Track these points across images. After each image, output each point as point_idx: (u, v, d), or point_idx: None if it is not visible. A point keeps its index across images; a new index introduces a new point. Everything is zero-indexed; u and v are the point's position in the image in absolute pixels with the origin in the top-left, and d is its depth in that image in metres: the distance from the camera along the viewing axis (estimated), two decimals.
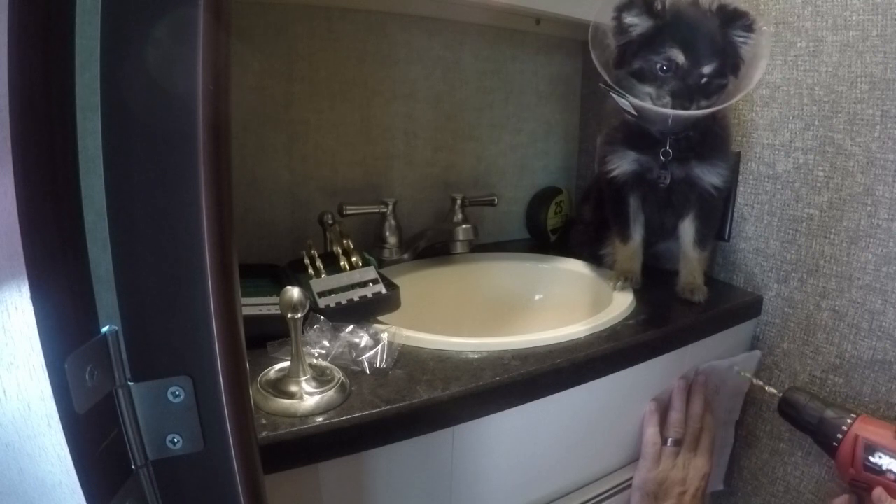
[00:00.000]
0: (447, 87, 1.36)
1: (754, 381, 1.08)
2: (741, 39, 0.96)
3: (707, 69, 0.95)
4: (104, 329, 0.40)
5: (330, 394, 0.72)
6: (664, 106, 0.96)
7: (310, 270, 1.01)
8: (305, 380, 0.73)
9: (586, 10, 1.21)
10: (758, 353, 1.15)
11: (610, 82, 0.98)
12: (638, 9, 0.95)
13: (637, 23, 0.96)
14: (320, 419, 0.68)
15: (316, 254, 1.03)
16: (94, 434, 0.38)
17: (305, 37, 1.16)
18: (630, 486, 1.01)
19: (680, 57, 0.94)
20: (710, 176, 1.06)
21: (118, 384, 0.40)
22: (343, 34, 1.20)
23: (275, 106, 1.16)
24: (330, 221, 1.13)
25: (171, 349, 0.41)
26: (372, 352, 0.83)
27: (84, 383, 0.37)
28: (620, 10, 0.97)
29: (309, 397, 0.71)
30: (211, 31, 0.38)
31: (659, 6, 0.95)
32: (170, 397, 0.41)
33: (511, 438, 0.85)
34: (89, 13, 0.36)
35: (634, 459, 1.03)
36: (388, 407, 0.72)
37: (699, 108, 0.96)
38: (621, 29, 0.98)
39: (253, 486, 0.45)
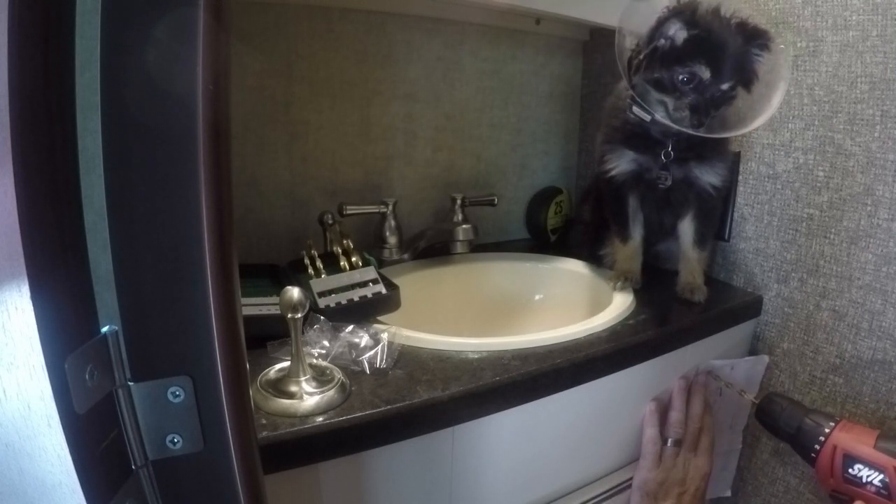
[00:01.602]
0: (447, 86, 1.36)
1: (727, 386, 1.07)
2: (757, 57, 0.96)
3: (726, 86, 0.95)
4: (104, 329, 0.40)
5: (330, 394, 0.72)
6: (682, 118, 0.96)
7: (310, 270, 1.01)
8: (305, 380, 0.73)
9: (586, 11, 1.21)
10: (765, 357, 1.15)
11: (637, 98, 0.99)
12: (682, 21, 0.94)
13: (677, 34, 0.95)
14: (320, 419, 0.68)
15: (316, 254, 1.03)
16: (94, 434, 0.38)
17: (305, 37, 1.16)
18: (630, 486, 1.01)
19: (706, 73, 0.94)
20: (708, 176, 1.06)
21: (118, 384, 0.40)
22: (343, 34, 1.20)
23: (275, 106, 1.16)
24: (330, 221, 1.13)
25: (171, 349, 0.41)
26: (372, 352, 0.83)
27: (84, 383, 0.37)
28: (662, 22, 0.96)
29: (309, 397, 0.71)
30: (211, 32, 0.38)
31: (700, 17, 0.95)
32: (170, 397, 0.41)
33: (511, 438, 0.85)
34: (89, 13, 0.36)
35: (634, 459, 1.03)
36: (388, 407, 0.72)
37: (710, 117, 0.96)
38: (654, 37, 0.97)
39: (253, 486, 0.45)
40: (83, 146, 0.38)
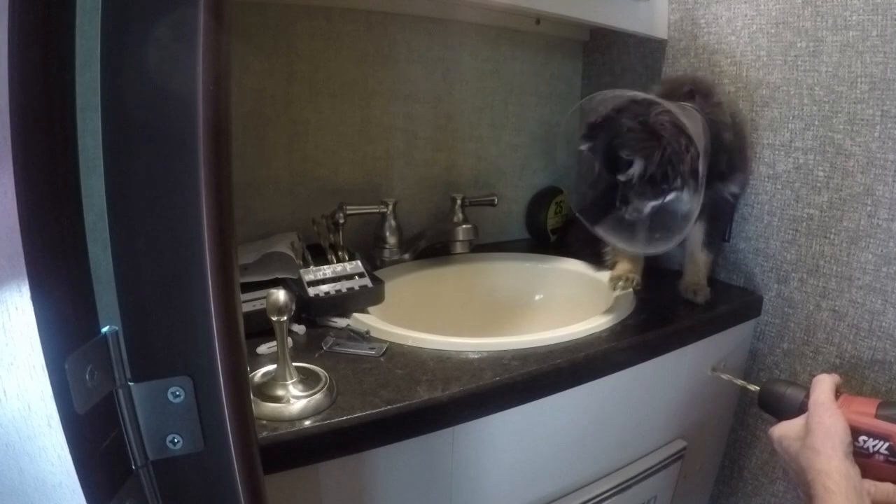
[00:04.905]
0: (447, 87, 1.36)
1: (730, 378, 1.07)
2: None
3: (623, 176, 0.97)
4: (104, 329, 0.40)
5: (317, 397, 0.71)
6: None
7: (298, 261, 1.03)
8: (292, 383, 0.72)
9: (586, 11, 1.21)
10: None
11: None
12: (583, 137, 1.01)
13: (584, 149, 1.01)
14: (308, 423, 0.68)
15: (305, 245, 1.05)
16: (95, 434, 0.38)
17: (306, 36, 1.16)
18: (628, 486, 1.01)
19: (603, 173, 1.00)
20: (731, 187, 1.09)
21: (118, 384, 0.40)
22: (343, 34, 1.19)
23: (275, 106, 1.16)
24: (323, 221, 1.13)
25: (172, 349, 0.41)
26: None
27: (84, 383, 0.37)
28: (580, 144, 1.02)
29: (296, 401, 0.70)
30: (211, 32, 0.38)
31: (594, 121, 0.99)
32: (170, 397, 0.41)
33: (511, 438, 0.85)
34: (89, 13, 0.36)
35: (635, 459, 1.03)
36: (389, 407, 0.71)
37: (638, 204, 0.99)
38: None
39: (253, 487, 0.45)
40: (83, 146, 0.38)
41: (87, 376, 0.37)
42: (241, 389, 0.43)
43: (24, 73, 0.32)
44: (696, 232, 1.14)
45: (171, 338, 0.41)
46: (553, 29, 1.45)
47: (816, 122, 1.07)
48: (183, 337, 0.41)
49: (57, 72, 0.36)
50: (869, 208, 1.01)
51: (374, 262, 1.21)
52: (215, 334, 0.41)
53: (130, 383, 0.40)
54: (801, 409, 0.91)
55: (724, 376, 1.07)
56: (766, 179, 1.16)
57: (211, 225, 0.39)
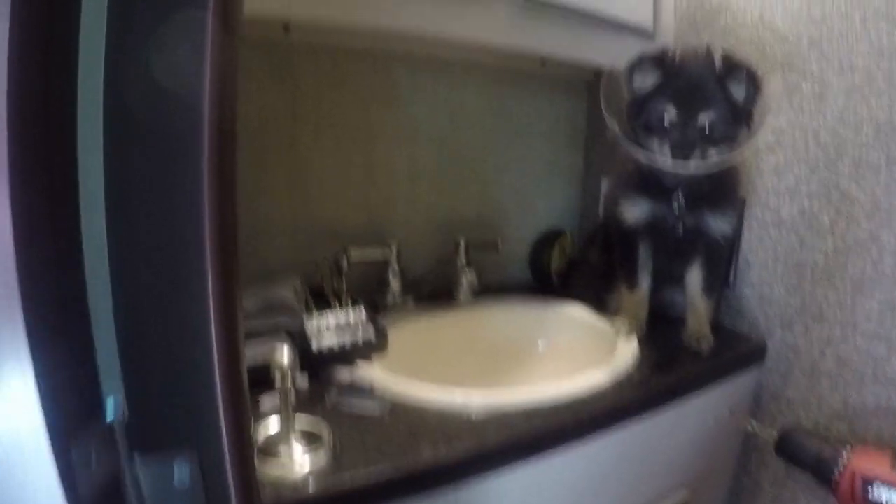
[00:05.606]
0: (452, 127, 1.36)
1: (748, 425, 1.07)
2: (738, 91, 0.98)
3: (703, 119, 0.97)
4: (108, 403, 0.38)
5: (320, 458, 0.70)
6: (665, 156, 0.98)
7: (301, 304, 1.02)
8: (295, 442, 0.71)
9: (591, 53, 1.22)
10: None
11: (616, 132, 1.01)
12: (648, 65, 1.00)
13: (646, 80, 1.00)
14: (311, 487, 0.67)
15: (308, 291, 1.05)
16: None
17: (310, 76, 1.16)
18: None
19: (672, 111, 0.98)
20: (720, 224, 1.07)
21: (123, 467, 0.39)
22: (348, 74, 1.20)
23: (277, 145, 1.16)
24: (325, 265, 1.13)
25: (176, 428, 0.40)
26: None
27: (89, 468, 0.36)
28: (631, 70, 1.01)
29: (298, 463, 0.69)
30: (218, 35, 0.37)
31: (670, 58, 0.99)
32: (175, 482, 0.40)
33: (515, 497, 0.83)
34: (95, 10, 0.36)
35: None
36: (392, 467, 0.70)
37: (705, 157, 0.98)
38: (631, 85, 1.02)
39: None
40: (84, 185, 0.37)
41: (91, 460, 0.36)
42: (247, 465, 0.42)
43: (26, 70, 0.31)
44: (694, 279, 1.13)
45: (175, 416, 0.40)
46: (558, 70, 1.45)
47: (821, 167, 1.07)
48: (188, 416, 0.40)
49: (59, 71, 0.35)
50: (874, 255, 1.01)
51: (375, 305, 1.19)
52: (220, 406, 0.40)
53: (136, 461, 0.39)
54: (817, 460, 0.91)
55: (750, 426, 1.06)
56: (771, 225, 1.16)
57: (215, 266, 0.39)
